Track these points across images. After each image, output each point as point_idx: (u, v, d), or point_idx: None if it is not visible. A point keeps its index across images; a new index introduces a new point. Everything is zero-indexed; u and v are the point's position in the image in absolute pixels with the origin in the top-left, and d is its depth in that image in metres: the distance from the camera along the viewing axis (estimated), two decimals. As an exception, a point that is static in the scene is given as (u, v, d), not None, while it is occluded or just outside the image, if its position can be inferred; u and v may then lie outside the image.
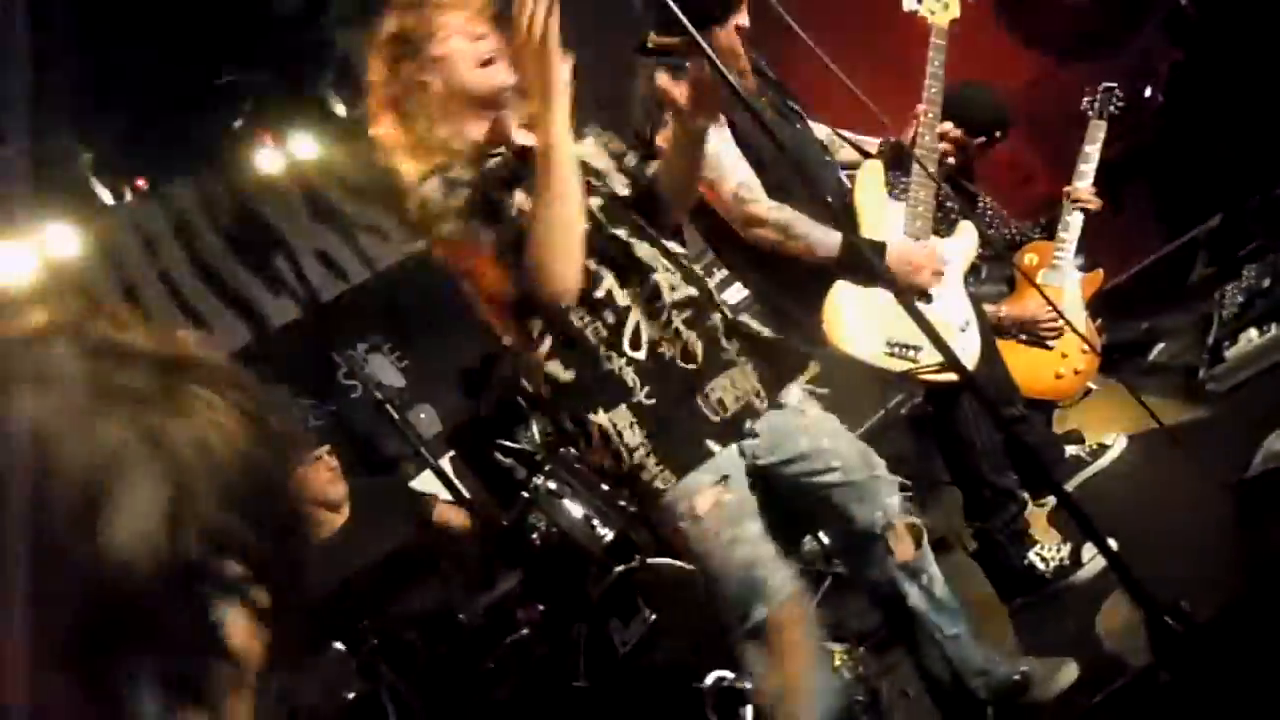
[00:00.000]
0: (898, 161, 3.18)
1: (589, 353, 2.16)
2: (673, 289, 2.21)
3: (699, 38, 1.97)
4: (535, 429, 4.06)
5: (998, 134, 3.77)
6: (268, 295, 5.68)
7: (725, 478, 2.17)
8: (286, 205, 5.84)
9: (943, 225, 3.22)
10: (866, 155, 3.28)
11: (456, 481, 5.14)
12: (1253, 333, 3.40)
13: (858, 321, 2.92)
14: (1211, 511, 2.76)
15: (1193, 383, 3.59)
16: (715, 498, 2.16)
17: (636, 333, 2.17)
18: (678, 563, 3.50)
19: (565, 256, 2.07)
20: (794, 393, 2.34)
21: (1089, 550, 2.95)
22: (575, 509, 3.74)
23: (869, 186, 3.14)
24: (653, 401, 2.16)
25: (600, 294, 2.16)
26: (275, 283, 5.63)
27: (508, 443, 4.03)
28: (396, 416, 5.21)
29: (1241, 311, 3.61)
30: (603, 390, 2.17)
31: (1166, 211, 5.18)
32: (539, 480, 3.75)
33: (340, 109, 5.58)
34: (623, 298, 2.17)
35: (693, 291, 2.24)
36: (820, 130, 3.25)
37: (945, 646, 2.37)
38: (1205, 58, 3.72)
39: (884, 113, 3.53)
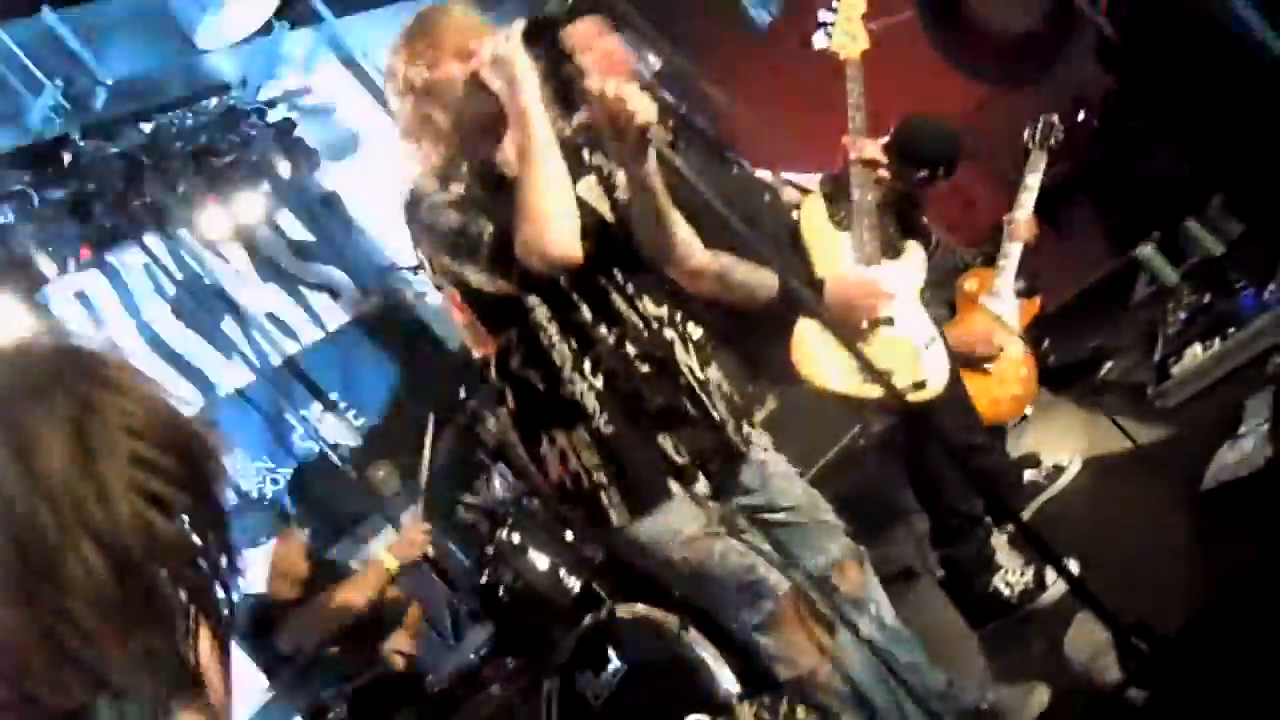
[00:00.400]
0: (838, 193, 3.23)
1: (553, 371, 2.20)
2: (639, 337, 2.23)
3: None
4: (497, 482, 4.03)
5: (941, 170, 3.80)
6: (218, 359, 5.63)
7: (689, 519, 2.21)
8: (235, 269, 5.81)
9: (890, 248, 3.26)
10: (805, 192, 3.33)
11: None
12: (1197, 348, 3.46)
13: (828, 354, 2.94)
14: (1169, 526, 2.79)
15: (1142, 400, 3.64)
16: (695, 531, 2.21)
17: (597, 363, 2.20)
18: (646, 609, 3.48)
19: (561, 218, 2.09)
20: (759, 442, 2.38)
21: (1052, 573, 2.97)
22: (541, 561, 3.71)
23: (813, 220, 3.19)
24: (611, 429, 2.19)
25: (576, 316, 2.20)
26: (225, 346, 5.58)
27: (468, 498, 3.99)
28: (355, 476, 5.17)
29: (1185, 328, 3.67)
30: (564, 410, 2.21)
31: (1108, 231, 5.29)
32: (503, 534, 3.72)
33: (285, 169, 5.57)
34: (595, 328, 2.21)
35: (658, 344, 2.26)
36: (763, 174, 3.29)
37: (901, 674, 2.37)
38: (1136, 83, 3.82)
39: (820, 148, 3.63)
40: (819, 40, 3.37)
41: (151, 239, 5.40)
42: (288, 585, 3.88)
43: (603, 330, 2.21)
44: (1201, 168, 4.21)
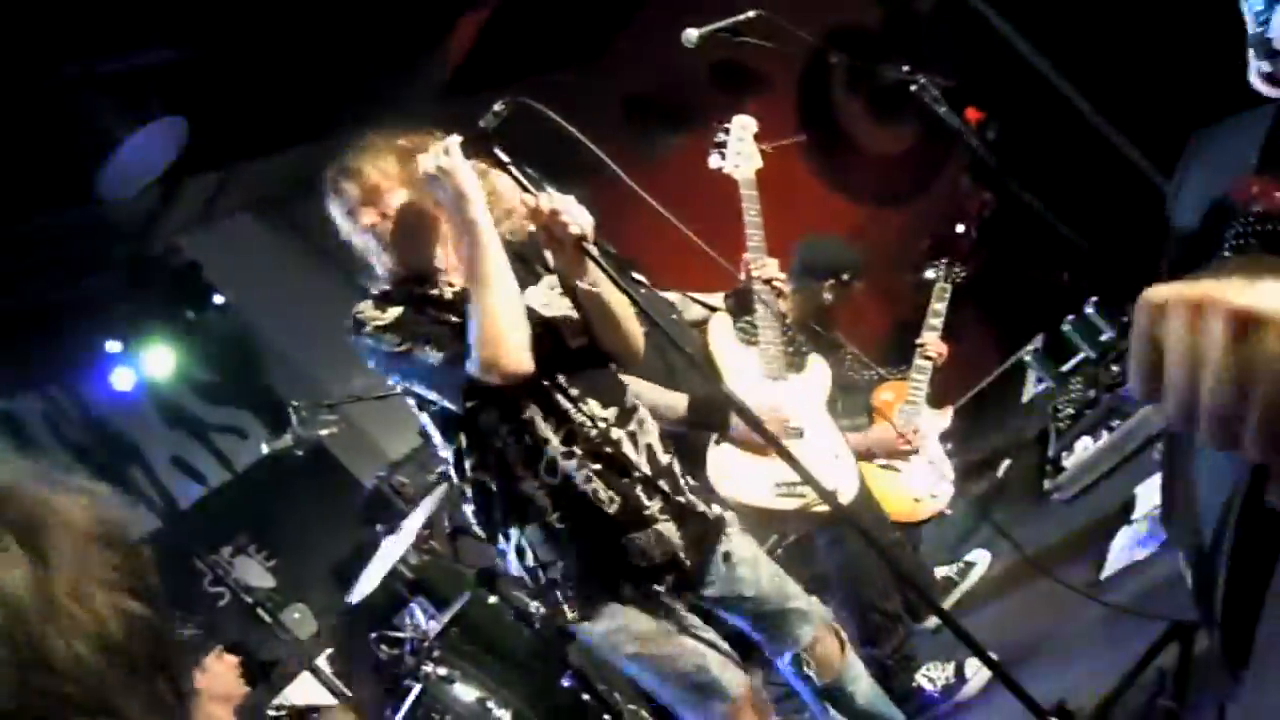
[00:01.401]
0: (742, 309, 3.36)
1: (506, 469, 2.22)
2: (587, 441, 2.24)
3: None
4: (419, 614, 3.99)
5: (844, 277, 3.98)
6: (123, 507, 5.49)
7: (650, 612, 2.24)
8: (139, 414, 5.73)
9: (795, 363, 3.39)
10: (712, 310, 3.46)
11: (337, 681, 4.99)
12: (1087, 441, 3.64)
13: (743, 469, 3.03)
14: (1076, 612, 2.91)
15: (1040, 493, 3.79)
16: (649, 628, 2.23)
17: (552, 463, 2.21)
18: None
19: (516, 331, 2.14)
20: (728, 525, 2.39)
21: (971, 665, 3.06)
22: (468, 693, 3.67)
23: (720, 338, 3.31)
24: (564, 526, 2.22)
25: (521, 420, 2.21)
26: (131, 493, 5.46)
27: (390, 633, 3.94)
28: (269, 619, 5.05)
29: (1073, 423, 3.86)
30: (518, 506, 2.23)
31: (995, 336, 5.54)
32: (428, 667, 3.68)
33: (190, 314, 5.57)
34: (543, 429, 2.22)
35: (608, 446, 2.26)
36: (670, 295, 3.41)
37: None
38: (1011, 196, 4.08)
39: (717, 268, 3.78)
40: (713, 161, 3.53)
41: (53, 387, 5.32)
42: (225, 713, 3.68)
43: (550, 431, 2.22)
44: (1077, 272, 4.48)
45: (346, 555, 5.69)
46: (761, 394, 3.13)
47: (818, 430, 3.24)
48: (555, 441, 2.22)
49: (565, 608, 2.23)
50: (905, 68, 3.94)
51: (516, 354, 2.14)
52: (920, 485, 3.86)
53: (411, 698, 3.61)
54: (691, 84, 6.54)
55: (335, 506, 6.08)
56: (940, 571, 3.74)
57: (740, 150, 3.51)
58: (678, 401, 3.01)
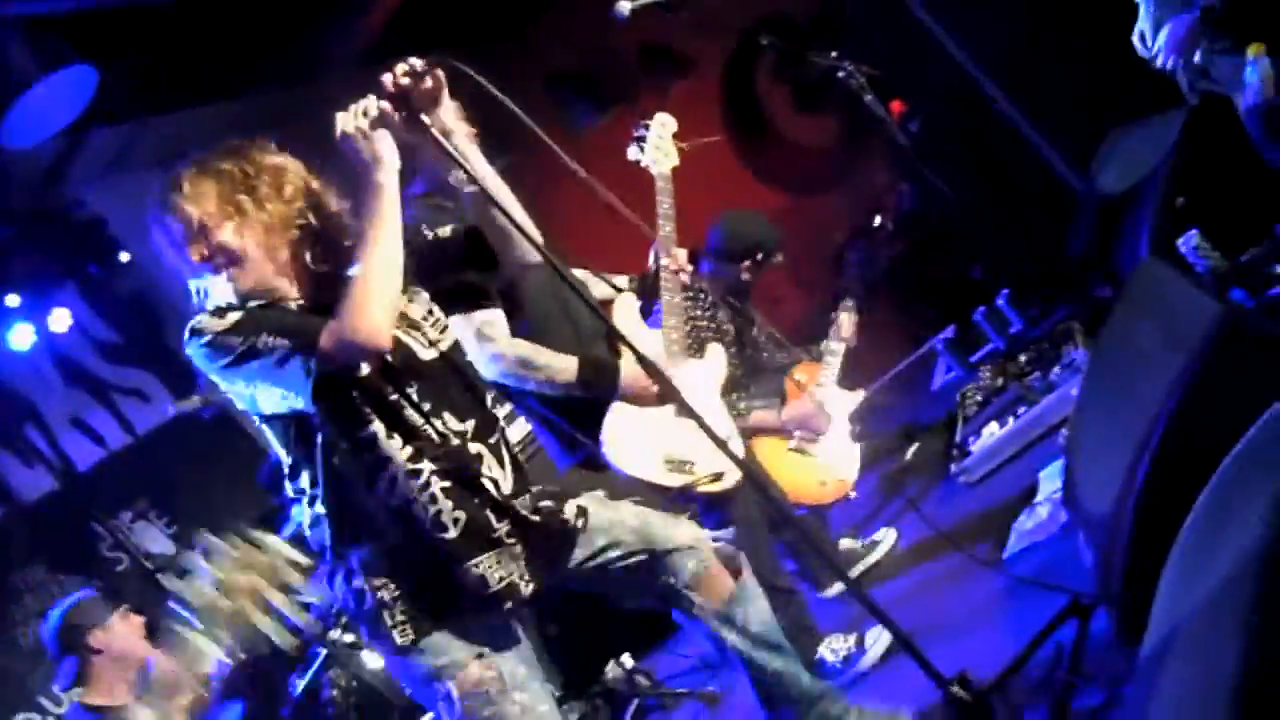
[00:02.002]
0: (646, 292, 3.39)
1: (344, 485, 2.13)
2: (435, 459, 2.16)
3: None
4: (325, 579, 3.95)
5: (760, 256, 4.03)
6: (19, 468, 5.32)
7: (480, 654, 2.14)
8: (37, 372, 5.54)
9: (694, 348, 3.43)
10: (618, 290, 3.47)
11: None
12: (993, 426, 3.75)
13: (635, 442, 3.06)
14: (978, 589, 3.00)
15: (946, 476, 3.90)
16: (476, 677, 2.13)
17: (392, 483, 2.12)
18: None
19: (383, 298, 2.06)
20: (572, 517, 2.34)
21: (871, 636, 3.14)
22: (375, 660, 3.66)
23: (625, 317, 3.33)
24: (399, 545, 2.13)
25: (364, 434, 2.12)
26: (27, 454, 5.28)
27: (298, 598, 3.88)
28: (169, 585, 4.94)
29: (980, 409, 3.98)
30: (352, 526, 2.14)
31: (908, 324, 5.67)
32: (335, 633, 3.65)
33: (93, 270, 5.40)
34: (386, 446, 2.13)
35: (461, 463, 2.18)
36: (577, 272, 3.41)
37: (768, 683, 2.40)
38: (928, 188, 4.18)
39: (627, 250, 3.81)
40: (632, 153, 3.56)
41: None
42: (122, 674, 3.59)
43: (396, 448, 2.12)
44: (990, 265, 4.61)
45: (249, 524, 5.59)
46: None
47: (708, 413, 3.23)
48: (400, 459, 2.12)
49: (395, 633, 2.11)
50: (834, 54, 4.00)
51: (378, 322, 2.03)
52: (828, 467, 3.91)
53: (316, 664, 3.58)
54: (618, 64, 6.55)
55: (239, 474, 5.95)
56: (845, 544, 3.81)
57: (659, 146, 3.56)
58: (570, 364, 3.02)
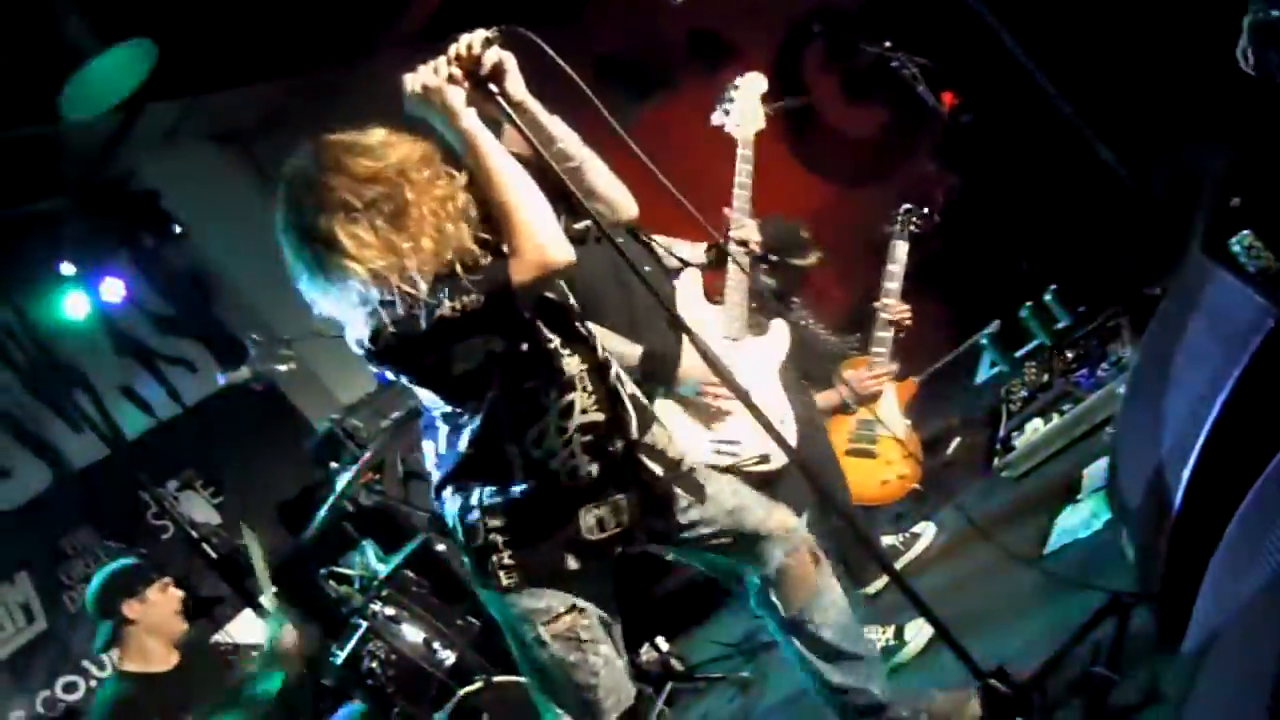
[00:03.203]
0: (723, 264, 3.38)
1: (493, 435, 2.19)
2: (584, 411, 2.24)
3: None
4: (370, 553, 4.01)
5: (783, 258, 3.97)
6: (69, 434, 5.43)
7: (575, 605, 2.22)
8: (89, 341, 5.64)
9: (757, 325, 3.42)
10: (685, 263, 3.46)
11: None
12: (1038, 422, 3.73)
13: (682, 424, 3.08)
14: (1017, 584, 2.99)
15: (989, 471, 3.88)
16: (569, 624, 2.22)
17: (540, 436, 2.20)
18: (522, 679, 3.50)
19: (544, 217, 2.08)
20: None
21: (911, 629, 3.14)
22: (415, 633, 3.71)
23: (686, 292, 3.35)
24: (523, 500, 2.20)
25: (527, 387, 2.20)
26: (77, 421, 5.39)
27: (339, 569, 3.95)
28: (214, 555, 5.02)
29: (1025, 405, 3.95)
30: (490, 469, 2.21)
31: (952, 318, 5.63)
32: (377, 606, 3.70)
33: (148, 241, 5.48)
34: (544, 400, 2.21)
35: (601, 417, 2.26)
36: (658, 238, 3.40)
37: (831, 697, 2.44)
38: (977, 182, 4.14)
39: (674, 231, 3.81)
40: (716, 117, 3.54)
41: (3, 306, 5.22)
42: (159, 645, 3.69)
43: (551, 400, 2.20)
44: (1038, 260, 4.57)
45: (294, 496, 5.67)
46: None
47: (764, 393, 3.27)
48: (552, 415, 2.21)
49: (501, 574, 2.21)
50: (887, 44, 3.98)
51: (557, 246, 2.07)
52: (890, 464, 3.86)
53: (358, 636, 3.63)
54: (668, 49, 6.54)
55: (284, 447, 6.05)
56: (886, 540, 3.80)
57: (745, 109, 3.52)
58: (632, 351, 3.04)
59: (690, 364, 3.10)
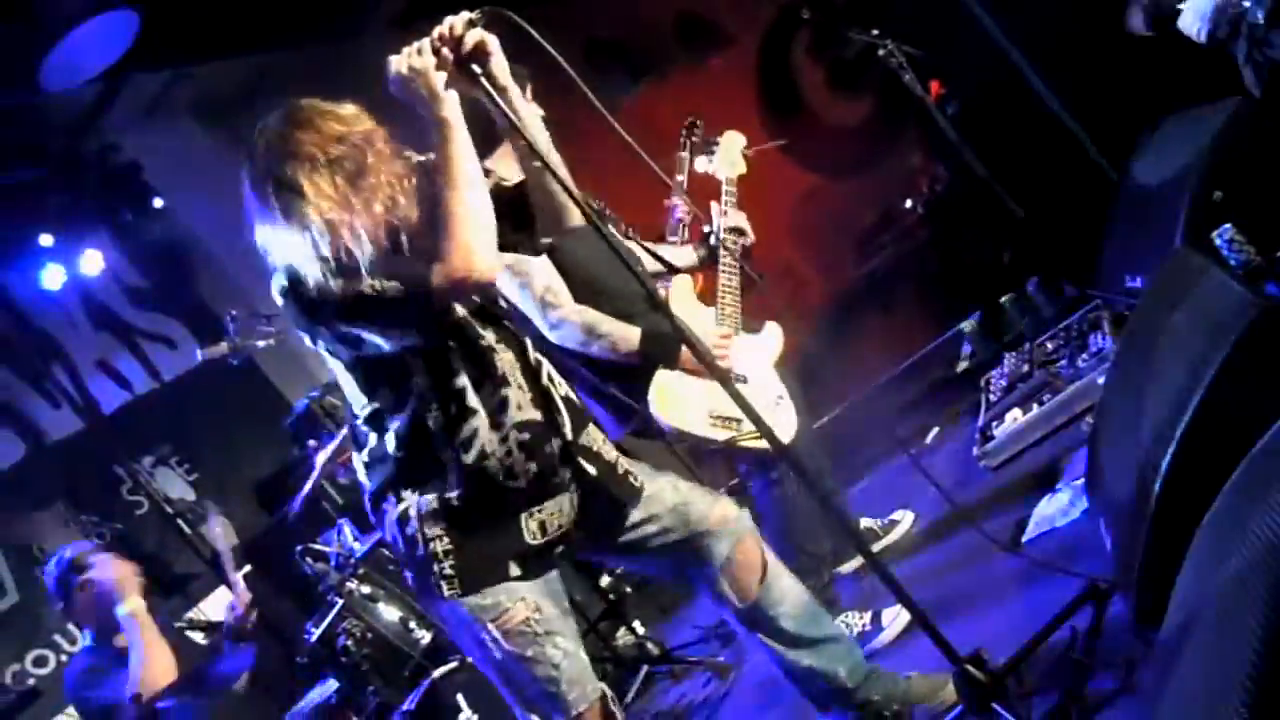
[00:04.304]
0: (713, 258, 3.41)
1: (422, 436, 2.17)
2: (519, 408, 2.22)
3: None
4: (347, 532, 3.99)
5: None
6: (45, 408, 5.38)
7: (523, 597, 2.18)
8: (67, 314, 5.59)
9: (753, 323, 3.44)
10: (670, 268, 3.46)
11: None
12: (1017, 412, 3.73)
13: (683, 396, 3.09)
14: (995, 570, 3.01)
15: (968, 460, 3.89)
16: (521, 618, 2.17)
17: (472, 437, 2.17)
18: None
19: (482, 229, 2.07)
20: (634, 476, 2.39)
21: (888, 614, 3.15)
22: (391, 612, 3.70)
23: (681, 294, 3.38)
24: (460, 504, 2.17)
25: (455, 386, 2.17)
26: (54, 394, 5.34)
27: (315, 546, 3.94)
28: (188, 531, 5.00)
29: (1004, 395, 3.96)
30: (422, 473, 2.18)
31: (933, 309, 5.65)
32: (352, 585, 3.69)
33: (128, 215, 5.44)
34: (473, 400, 2.18)
35: (537, 415, 2.25)
36: (630, 244, 3.43)
37: (802, 682, 2.45)
38: (963, 173, 4.15)
39: (658, 213, 3.82)
40: (700, 163, 3.68)
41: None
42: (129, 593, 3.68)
43: (480, 401, 2.17)
44: (1021, 251, 4.58)
45: (270, 473, 5.65)
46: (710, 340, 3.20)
47: (762, 378, 3.31)
48: (483, 414, 2.18)
49: (443, 584, 2.16)
50: (874, 32, 3.98)
51: (486, 254, 2.07)
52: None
53: (333, 614, 3.62)
54: (656, 34, 6.53)
55: (261, 424, 6.03)
56: (865, 523, 3.82)
57: (726, 159, 3.67)
58: (632, 334, 3.06)
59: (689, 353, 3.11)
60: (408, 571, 2.24)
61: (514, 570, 2.18)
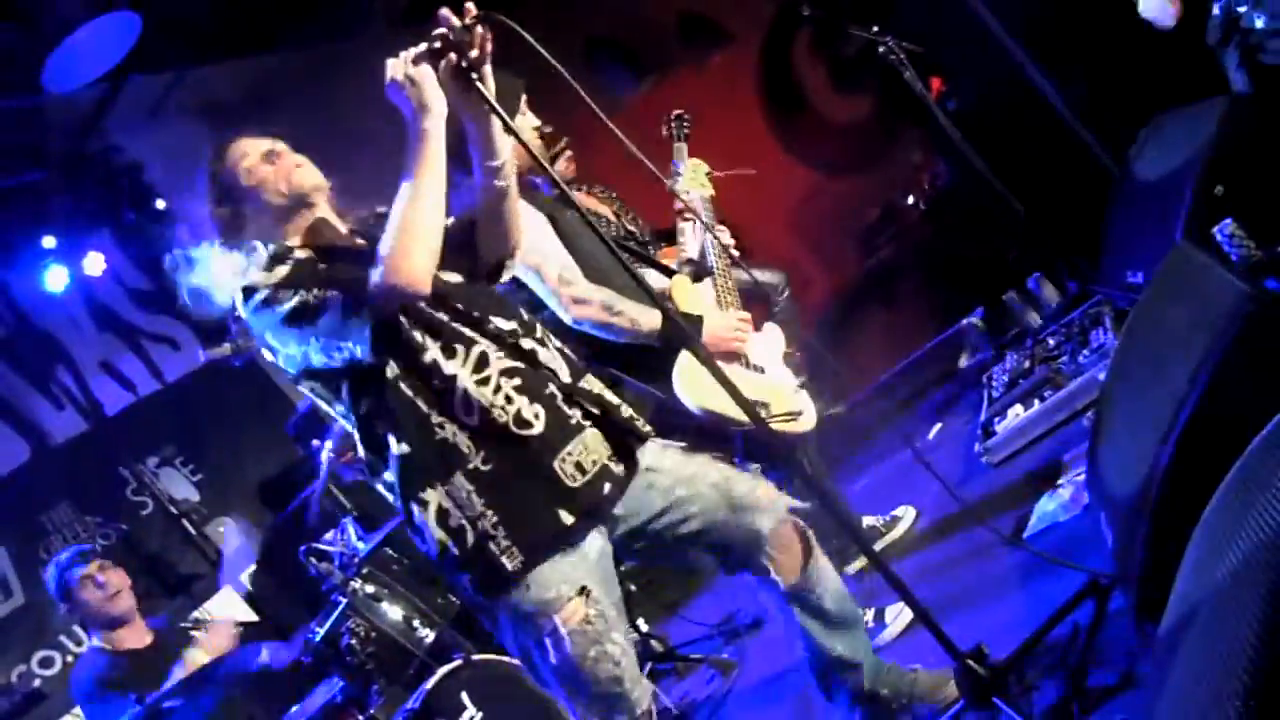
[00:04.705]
0: (698, 278, 3.40)
1: (420, 421, 2.14)
2: (499, 357, 2.20)
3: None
4: (350, 531, 4.00)
5: None
6: (49, 409, 5.40)
7: (585, 589, 2.13)
8: (70, 315, 5.61)
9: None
10: (671, 273, 3.46)
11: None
12: (1019, 408, 3.74)
13: (708, 379, 3.07)
14: (996, 566, 3.01)
15: (970, 455, 3.89)
16: (583, 614, 2.12)
17: (466, 399, 2.14)
18: (503, 659, 3.51)
19: (425, 244, 2.10)
20: (648, 450, 2.34)
21: (892, 611, 3.16)
22: (395, 611, 3.71)
23: (683, 294, 3.32)
24: (489, 467, 2.13)
25: (426, 361, 2.15)
26: (58, 396, 5.36)
27: (319, 545, 3.93)
28: (193, 531, 5.01)
29: (1006, 391, 3.97)
30: (438, 460, 2.14)
31: (935, 304, 5.65)
32: (356, 584, 3.69)
33: (130, 216, 5.45)
34: (449, 367, 2.15)
35: (519, 363, 2.22)
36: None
37: (825, 665, 2.43)
38: (964, 169, 4.15)
39: (657, 211, 3.82)
40: (670, 185, 3.59)
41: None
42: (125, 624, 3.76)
43: (459, 365, 2.15)
44: (1022, 247, 4.58)
45: (274, 474, 5.66)
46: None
47: (777, 370, 3.30)
48: (465, 373, 2.15)
49: (505, 559, 2.10)
50: (874, 29, 3.98)
51: (421, 266, 2.08)
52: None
53: (337, 613, 3.62)
54: (657, 32, 6.53)
55: (265, 426, 6.04)
56: (866, 521, 3.82)
57: (693, 180, 3.65)
58: (653, 315, 3.04)
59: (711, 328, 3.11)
60: (463, 575, 2.17)
61: (566, 518, 2.14)
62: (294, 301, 2.11)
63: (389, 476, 2.20)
